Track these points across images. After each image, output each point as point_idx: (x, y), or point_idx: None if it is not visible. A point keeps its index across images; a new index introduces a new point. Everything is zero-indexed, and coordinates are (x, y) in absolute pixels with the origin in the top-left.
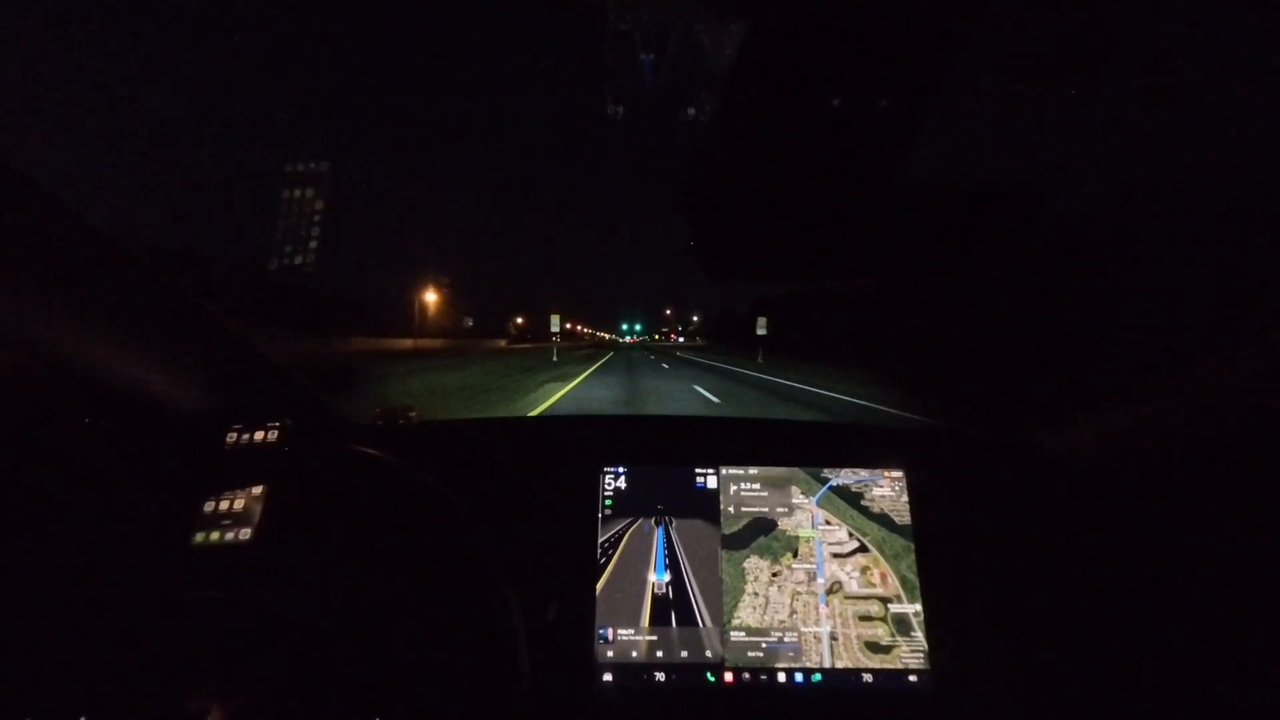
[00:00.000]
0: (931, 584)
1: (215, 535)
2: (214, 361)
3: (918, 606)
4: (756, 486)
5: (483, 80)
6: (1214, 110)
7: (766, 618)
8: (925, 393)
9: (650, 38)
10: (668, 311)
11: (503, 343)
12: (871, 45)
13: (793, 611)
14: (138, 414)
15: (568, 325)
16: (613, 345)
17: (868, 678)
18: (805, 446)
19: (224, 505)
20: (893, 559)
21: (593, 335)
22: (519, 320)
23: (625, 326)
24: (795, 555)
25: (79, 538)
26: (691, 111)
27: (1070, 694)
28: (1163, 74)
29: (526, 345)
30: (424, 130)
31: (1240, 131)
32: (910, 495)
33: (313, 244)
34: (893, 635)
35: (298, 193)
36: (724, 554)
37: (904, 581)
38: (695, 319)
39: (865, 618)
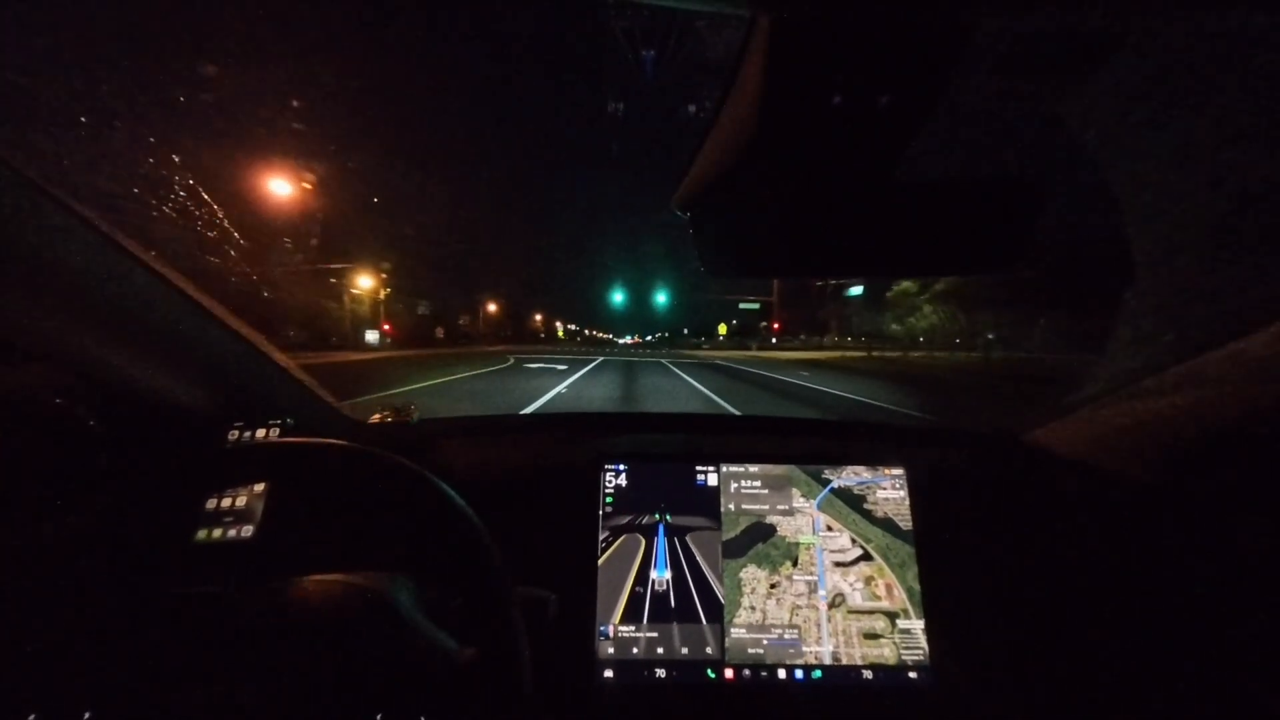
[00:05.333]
0: (931, 582)
1: (217, 532)
2: (216, 359)
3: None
4: (757, 485)
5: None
6: (1213, 108)
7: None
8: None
9: (652, 36)
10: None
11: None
12: (872, 44)
13: (792, 628)
14: (139, 411)
15: (536, 317)
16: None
17: (868, 674)
18: (806, 444)
19: (225, 503)
20: (898, 568)
21: (580, 331)
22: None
23: (621, 300)
24: (795, 564)
25: (81, 534)
26: (692, 108)
27: (1071, 693)
28: (1163, 70)
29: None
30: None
31: (1240, 128)
32: (910, 494)
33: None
34: (899, 654)
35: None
36: (722, 562)
37: (910, 593)
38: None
39: (871, 635)
